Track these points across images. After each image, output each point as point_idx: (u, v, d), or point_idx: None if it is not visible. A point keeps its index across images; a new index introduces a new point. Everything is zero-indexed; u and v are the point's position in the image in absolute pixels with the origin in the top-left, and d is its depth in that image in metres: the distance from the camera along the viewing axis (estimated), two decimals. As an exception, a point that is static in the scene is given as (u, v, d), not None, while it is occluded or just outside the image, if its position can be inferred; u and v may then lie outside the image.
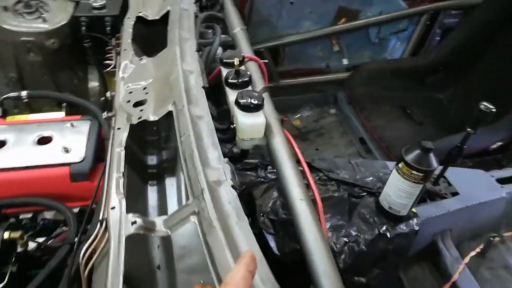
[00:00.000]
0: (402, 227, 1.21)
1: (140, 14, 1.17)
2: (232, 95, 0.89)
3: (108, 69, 1.22)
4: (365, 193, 1.32)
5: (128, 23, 1.12)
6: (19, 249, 0.75)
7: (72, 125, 0.95)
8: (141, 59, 0.97)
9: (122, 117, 0.78)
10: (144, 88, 0.86)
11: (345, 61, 2.05)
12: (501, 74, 1.82)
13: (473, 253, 1.36)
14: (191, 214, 0.58)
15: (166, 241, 0.63)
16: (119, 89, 0.88)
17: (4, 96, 1.10)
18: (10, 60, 1.32)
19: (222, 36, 1.30)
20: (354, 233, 1.18)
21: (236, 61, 0.90)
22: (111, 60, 1.23)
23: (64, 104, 1.17)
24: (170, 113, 0.76)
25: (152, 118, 0.77)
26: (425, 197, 1.36)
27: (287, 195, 0.72)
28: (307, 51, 2.02)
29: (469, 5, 2.00)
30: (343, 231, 1.17)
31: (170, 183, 0.79)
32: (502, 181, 1.46)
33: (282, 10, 1.85)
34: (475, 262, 1.38)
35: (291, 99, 2.09)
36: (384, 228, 1.20)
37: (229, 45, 1.36)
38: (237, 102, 0.83)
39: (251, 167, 1.28)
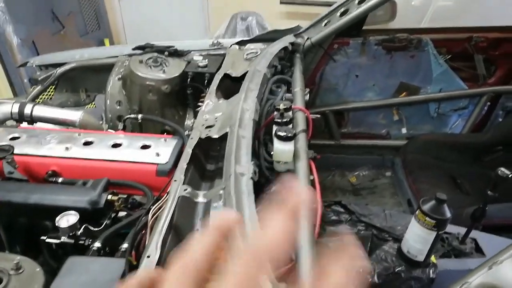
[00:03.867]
0: (418, 272, 1.35)
1: (227, 72, 1.61)
2: (276, 129, 1.23)
3: (199, 108, 1.67)
4: (390, 238, 1.49)
5: (217, 77, 1.56)
6: (114, 212, 1.14)
7: (165, 140, 1.36)
8: (219, 100, 1.38)
9: (196, 133, 1.16)
10: (216, 118, 1.25)
11: (404, 130, 2.26)
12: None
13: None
14: (220, 189, 0.90)
15: (206, 212, 0.95)
16: (199, 117, 1.28)
17: (127, 116, 1.62)
18: (135, 97, 1.86)
19: (288, 94, 1.67)
20: (370, 266, 1.35)
21: (281, 106, 1.25)
22: (203, 103, 1.68)
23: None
24: (226, 134, 1.12)
25: (215, 135, 1.14)
26: (450, 253, 1.47)
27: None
28: (370, 117, 2.29)
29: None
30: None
31: (217, 183, 1.13)
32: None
33: (348, 81, 2.18)
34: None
35: (351, 158, 2.33)
36: (399, 268, 1.35)
37: (292, 101, 1.72)
38: (275, 133, 1.16)
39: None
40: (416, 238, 1.32)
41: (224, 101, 1.38)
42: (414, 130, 2.27)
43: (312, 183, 1.16)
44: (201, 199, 0.93)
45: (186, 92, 1.87)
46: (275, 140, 1.16)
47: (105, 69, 2.04)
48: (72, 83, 2.27)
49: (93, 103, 2.28)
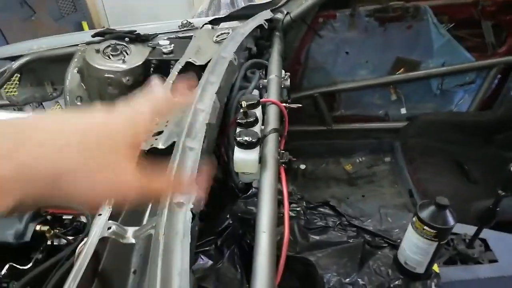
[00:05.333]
0: (417, 286, 1.16)
1: (190, 60, 1.38)
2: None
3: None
4: (386, 244, 1.29)
5: (176, 67, 1.33)
6: (48, 242, 0.96)
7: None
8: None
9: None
10: (167, 121, 1.03)
11: (403, 111, 2.02)
12: None
13: (508, 331, 1.22)
14: (151, 228, 0.70)
15: (147, 248, 0.75)
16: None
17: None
18: (95, 92, 1.64)
19: (264, 81, 1.44)
20: (361, 283, 1.16)
21: (243, 103, 1.03)
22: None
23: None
24: (173, 143, 0.91)
25: (160, 146, 0.93)
26: (456, 259, 1.27)
27: (256, 223, 0.81)
28: (364, 98, 2.04)
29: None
30: (349, 278, 1.17)
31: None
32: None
33: (337, 58, 1.93)
34: None
35: (345, 143, 2.11)
36: (396, 283, 1.16)
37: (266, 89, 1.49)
38: (234, 139, 0.95)
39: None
40: (415, 249, 1.12)
41: (180, 98, 1.16)
42: (415, 110, 2.03)
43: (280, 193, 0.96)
44: (130, 239, 0.73)
45: (151, 83, 1.65)
46: (235, 148, 0.95)
47: (66, 59, 1.82)
48: (35, 76, 2.05)
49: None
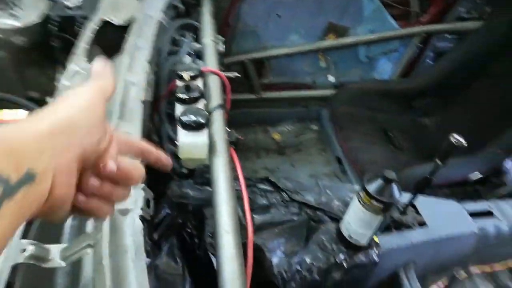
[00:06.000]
0: (361, 258, 1.17)
1: (107, 18, 1.14)
2: (179, 110, 0.85)
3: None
4: (327, 218, 1.27)
5: (90, 27, 1.08)
6: None
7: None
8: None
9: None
10: (88, 98, 0.82)
11: (331, 78, 2.01)
12: (487, 105, 1.78)
13: (436, 289, 1.31)
14: (87, 247, 0.54)
15: (75, 270, 0.59)
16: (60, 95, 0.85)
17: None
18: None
19: (196, 44, 1.27)
20: (308, 261, 1.13)
21: (185, 75, 0.87)
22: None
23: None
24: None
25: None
26: (391, 226, 1.31)
27: (215, 222, 0.68)
28: (294, 65, 1.98)
29: (464, 31, 1.95)
30: (297, 258, 1.12)
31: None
32: (475, 214, 1.41)
33: (268, 22, 1.81)
34: (438, 298, 1.32)
35: (273, 112, 2.04)
36: (341, 257, 1.15)
37: (200, 56, 1.33)
38: (179, 119, 0.80)
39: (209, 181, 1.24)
40: (360, 223, 1.11)
41: (100, 66, 0.94)
42: (342, 77, 2.03)
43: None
44: (56, 261, 0.55)
45: (53, 45, 1.35)
46: (179, 130, 0.80)
47: None
48: None
49: None
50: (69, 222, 0.63)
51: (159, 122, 1.02)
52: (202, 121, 0.79)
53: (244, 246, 1.10)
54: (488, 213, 1.43)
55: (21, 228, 0.56)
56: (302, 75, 2.02)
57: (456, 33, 1.99)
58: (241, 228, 1.16)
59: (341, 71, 2.02)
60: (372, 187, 1.06)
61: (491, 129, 1.67)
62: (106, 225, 0.53)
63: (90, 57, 0.97)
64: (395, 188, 1.05)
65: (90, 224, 0.60)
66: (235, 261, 0.62)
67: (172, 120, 1.13)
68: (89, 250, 0.53)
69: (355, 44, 1.94)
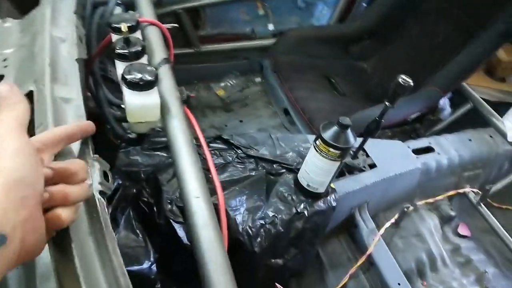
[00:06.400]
0: (320, 205, 1.18)
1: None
2: (121, 68, 0.74)
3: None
4: (284, 170, 1.27)
5: (-9, -26, 0.89)
6: None
7: None
8: (4, 20, 0.78)
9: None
10: (4, 60, 0.68)
11: (270, 27, 1.94)
12: (420, 44, 1.84)
13: (388, 224, 1.39)
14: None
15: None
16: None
17: None
18: None
19: (123, -8, 1.12)
20: (271, 214, 1.12)
21: (123, 26, 0.75)
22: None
23: None
24: (31, 94, 0.60)
25: (8, 99, 0.61)
26: (344, 171, 1.34)
27: (182, 190, 0.62)
28: (231, 14, 1.87)
29: (396, -29, 1.96)
30: (260, 213, 1.11)
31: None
32: (417, 151, 1.50)
33: (201, -34, 1.67)
34: (390, 232, 1.41)
35: (214, 66, 1.94)
36: (301, 206, 1.16)
37: (133, 6, 1.18)
38: (123, 78, 0.69)
39: (161, 147, 1.16)
40: (318, 170, 1.12)
41: (13, 22, 0.79)
42: (281, 25, 1.97)
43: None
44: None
45: None
46: (125, 90, 0.70)
47: None
48: None
49: None
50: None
51: (95, 84, 0.90)
52: (151, 78, 0.69)
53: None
54: (429, 149, 1.52)
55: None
56: (241, 24, 1.92)
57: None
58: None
59: (279, 19, 1.95)
60: (327, 134, 1.05)
61: (425, 68, 1.74)
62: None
63: (2, 11, 0.80)
64: (350, 133, 1.06)
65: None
66: (210, 227, 0.58)
67: (107, 80, 1.00)
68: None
69: (292, -11, 1.87)
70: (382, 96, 1.86)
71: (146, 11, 0.99)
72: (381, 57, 1.98)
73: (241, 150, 1.27)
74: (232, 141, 1.27)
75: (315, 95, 1.67)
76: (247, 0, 1.84)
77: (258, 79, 1.99)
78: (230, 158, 1.23)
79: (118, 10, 1.06)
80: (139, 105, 0.70)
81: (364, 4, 2.02)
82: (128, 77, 0.69)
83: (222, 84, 1.92)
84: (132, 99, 0.70)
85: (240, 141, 1.29)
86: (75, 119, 0.57)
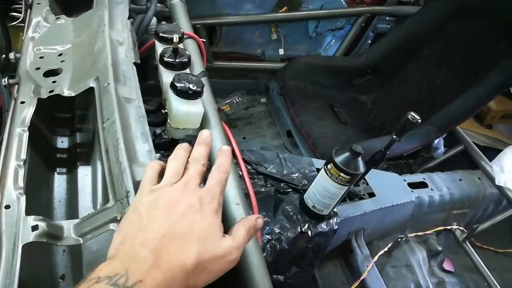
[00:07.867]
0: (323, 226, 1.23)
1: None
2: (167, 76, 0.79)
3: (14, 23, 1.02)
4: (290, 190, 1.31)
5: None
6: None
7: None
8: (58, 18, 0.81)
9: (28, 88, 0.64)
10: (60, 55, 0.71)
11: (281, 51, 2.02)
12: (419, 85, 1.95)
13: (381, 252, 1.44)
14: (110, 221, 0.48)
15: (75, 246, 0.52)
16: (27, 51, 0.72)
17: None
18: None
19: (158, 5, 1.17)
20: (277, 231, 1.16)
21: (175, 37, 0.80)
22: (20, 12, 1.02)
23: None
24: (90, 90, 0.63)
25: (67, 93, 0.64)
26: (345, 197, 1.40)
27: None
28: (246, 35, 1.94)
29: (403, 14, 2.09)
30: (267, 228, 1.15)
31: (84, 173, 0.66)
32: (412, 185, 1.57)
33: (224, -12, 1.74)
34: (382, 260, 1.46)
35: (222, 83, 2.00)
36: (306, 226, 1.20)
37: (165, 17, 1.23)
38: (173, 86, 0.73)
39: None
40: (326, 194, 1.17)
41: (67, 19, 0.82)
42: (290, 51, 2.05)
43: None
44: (69, 237, 0.48)
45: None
46: (173, 97, 0.74)
47: None
48: None
49: None
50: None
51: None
52: (199, 89, 0.73)
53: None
54: (423, 184, 1.60)
55: (23, 201, 0.48)
56: (253, 45, 1.99)
57: (396, 16, 2.13)
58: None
59: (291, 45, 2.04)
60: (339, 159, 1.11)
61: (421, 108, 1.84)
62: (132, 199, 0.48)
63: (52, 7, 0.84)
64: (360, 161, 1.12)
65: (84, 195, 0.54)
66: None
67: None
68: (112, 225, 0.47)
69: (306, 18, 1.96)
70: (378, 130, 1.96)
71: (183, 24, 1.04)
72: (381, 93, 2.07)
73: (252, 166, 1.31)
74: (243, 157, 1.31)
75: (319, 121, 1.74)
76: (262, 24, 1.92)
77: (263, 100, 2.05)
78: (240, 173, 1.27)
79: (154, 20, 1.11)
80: (185, 112, 0.74)
81: (369, 41, 2.14)
82: (178, 85, 0.73)
83: (228, 100, 1.97)
84: (179, 106, 0.73)
85: (251, 157, 1.33)
86: (137, 119, 0.60)
